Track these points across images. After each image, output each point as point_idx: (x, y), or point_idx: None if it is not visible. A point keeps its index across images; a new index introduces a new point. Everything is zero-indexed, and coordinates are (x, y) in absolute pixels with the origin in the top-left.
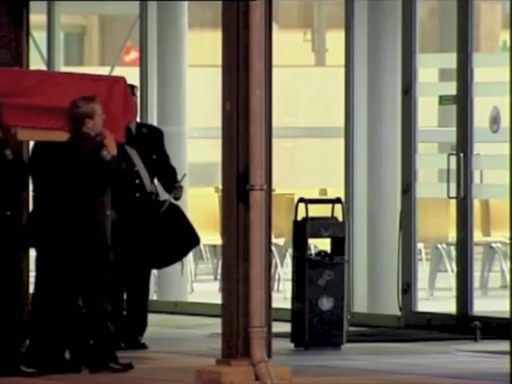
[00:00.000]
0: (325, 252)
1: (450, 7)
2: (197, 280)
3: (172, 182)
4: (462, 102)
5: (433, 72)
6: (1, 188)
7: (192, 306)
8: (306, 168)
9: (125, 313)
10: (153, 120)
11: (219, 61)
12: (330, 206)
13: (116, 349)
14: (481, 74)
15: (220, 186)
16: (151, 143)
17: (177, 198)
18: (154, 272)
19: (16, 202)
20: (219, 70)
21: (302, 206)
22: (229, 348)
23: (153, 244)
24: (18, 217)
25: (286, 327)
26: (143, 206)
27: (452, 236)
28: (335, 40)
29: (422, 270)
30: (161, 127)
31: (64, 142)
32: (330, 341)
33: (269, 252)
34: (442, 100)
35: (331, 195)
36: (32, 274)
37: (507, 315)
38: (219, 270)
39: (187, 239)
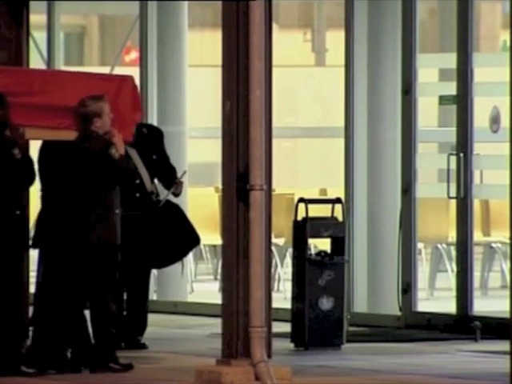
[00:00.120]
0: (325, 252)
1: (450, 7)
2: (197, 280)
3: (172, 180)
4: (461, 102)
5: (433, 72)
6: (10, 187)
7: (192, 306)
8: (306, 168)
9: (125, 313)
10: (153, 120)
11: (219, 61)
12: (330, 206)
13: (116, 349)
14: (481, 73)
15: (220, 186)
16: (151, 143)
17: (177, 194)
18: (154, 272)
19: (24, 202)
20: (219, 70)
21: (302, 205)
22: (229, 348)
23: (153, 244)
24: (26, 216)
25: (286, 327)
26: (143, 206)
27: (452, 236)
28: (335, 40)
29: (422, 270)
30: (161, 127)
31: (73, 141)
32: (330, 341)
33: (269, 252)
34: (442, 100)
35: (331, 195)
36: (32, 274)
37: (507, 315)
38: (219, 270)
39: (187, 239)
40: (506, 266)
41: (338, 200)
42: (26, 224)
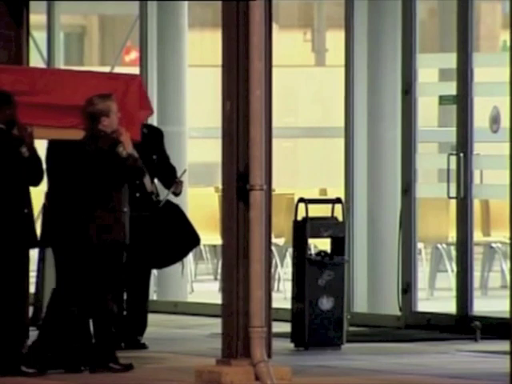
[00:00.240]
0: (325, 252)
1: (450, 7)
2: (197, 280)
3: (172, 180)
4: (461, 101)
5: (433, 72)
6: (17, 185)
7: (192, 306)
8: (306, 168)
9: (125, 313)
10: (153, 120)
11: (219, 61)
12: (330, 206)
13: (116, 349)
14: (481, 73)
15: (220, 186)
16: (151, 143)
17: (177, 194)
18: (154, 272)
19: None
20: (219, 70)
21: (301, 205)
22: (229, 348)
23: (153, 244)
24: (32, 214)
25: (286, 327)
26: (143, 206)
27: (452, 236)
28: (335, 40)
29: (422, 270)
30: (161, 127)
31: (80, 140)
32: (330, 341)
33: (269, 252)
34: (442, 100)
35: (331, 195)
36: (32, 274)
37: (507, 315)
38: (219, 270)
39: (187, 239)
40: (506, 266)
41: (338, 200)
42: (33, 222)
